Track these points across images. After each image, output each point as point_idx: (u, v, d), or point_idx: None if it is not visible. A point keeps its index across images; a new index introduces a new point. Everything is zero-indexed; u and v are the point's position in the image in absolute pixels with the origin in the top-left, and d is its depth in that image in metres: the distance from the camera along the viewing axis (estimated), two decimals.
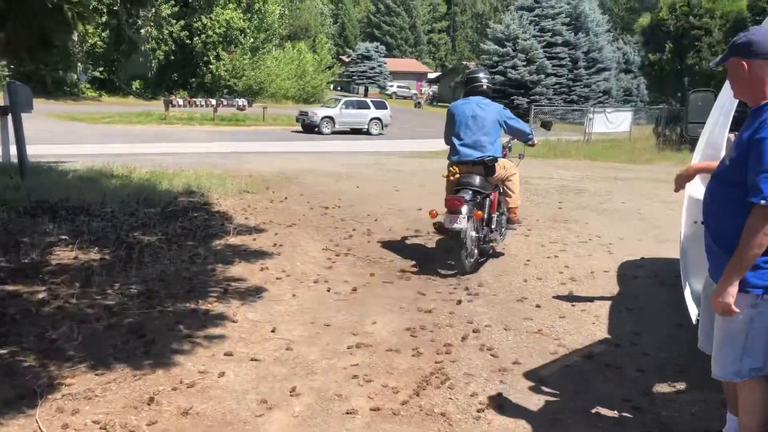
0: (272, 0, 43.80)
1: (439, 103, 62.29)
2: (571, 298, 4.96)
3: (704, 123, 4.23)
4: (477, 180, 5.59)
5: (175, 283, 4.90)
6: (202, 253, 5.75)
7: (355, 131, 27.44)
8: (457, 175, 5.64)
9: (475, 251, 5.58)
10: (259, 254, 5.86)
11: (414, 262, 5.83)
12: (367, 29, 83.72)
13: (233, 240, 6.34)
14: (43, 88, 32.07)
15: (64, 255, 5.48)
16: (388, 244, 6.42)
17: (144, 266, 5.30)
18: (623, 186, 10.83)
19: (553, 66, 45.46)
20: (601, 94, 47.50)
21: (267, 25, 43.95)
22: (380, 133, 27.65)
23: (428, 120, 40.50)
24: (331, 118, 26.76)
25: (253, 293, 4.82)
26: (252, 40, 42.20)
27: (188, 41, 38.95)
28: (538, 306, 4.77)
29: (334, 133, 26.40)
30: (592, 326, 4.43)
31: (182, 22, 37.70)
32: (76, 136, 18.43)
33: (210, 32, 39.08)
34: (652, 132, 18.89)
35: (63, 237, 5.96)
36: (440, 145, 20.36)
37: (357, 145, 21.33)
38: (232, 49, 41.02)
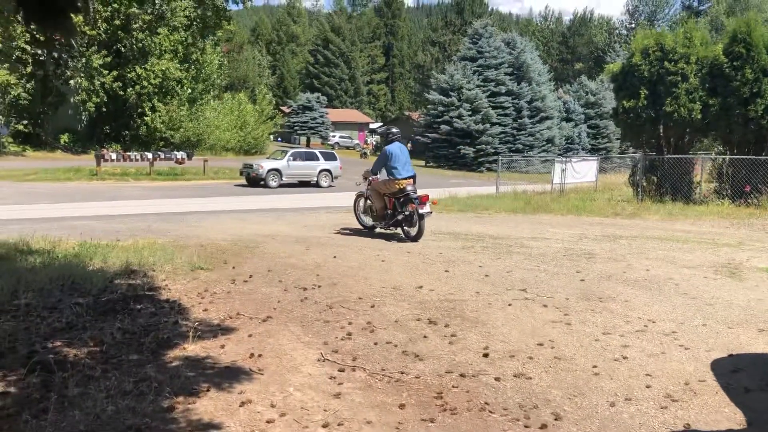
0: (210, 50, 42.37)
1: None
2: None
3: None
4: (412, 186, 9.84)
5: None
6: (153, 375, 4.07)
7: (304, 183, 26.01)
8: (403, 185, 9.77)
9: None
10: (234, 374, 4.21)
11: (449, 377, 4.28)
12: (306, 80, 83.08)
13: (193, 349, 4.66)
14: None
15: None
16: (402, 347, 4.84)
17: (67, 405, 3.59)
18: (629, 247, 9.59)
19: (498, 115, 45.39)
20: (545, 143, 47.65)
21: (205, 75, 42.41)
22: (331, 185, 26.27)
23: None
24: (278, 170, 25.29)
25: None
26: (189, 90, 40.49)
27: (121, 92, 36.87)
28: None
29: (281, 186, 24.90)
30: None
31: (115, 73, 35.68)
32: None
33: (145, 83, 37.13)
34: (627, 181, 17.96)
35: None
36: None
37: (311, 200, 19.79)
38: (169, 100, 39.18)
